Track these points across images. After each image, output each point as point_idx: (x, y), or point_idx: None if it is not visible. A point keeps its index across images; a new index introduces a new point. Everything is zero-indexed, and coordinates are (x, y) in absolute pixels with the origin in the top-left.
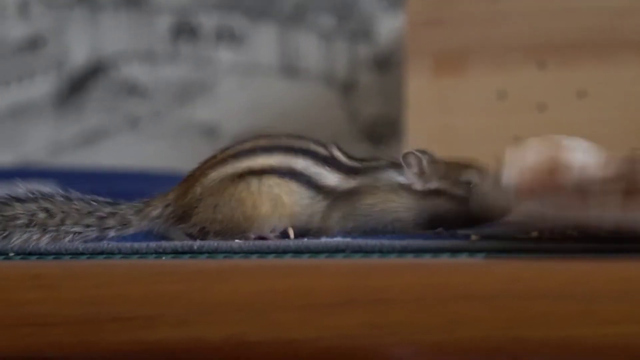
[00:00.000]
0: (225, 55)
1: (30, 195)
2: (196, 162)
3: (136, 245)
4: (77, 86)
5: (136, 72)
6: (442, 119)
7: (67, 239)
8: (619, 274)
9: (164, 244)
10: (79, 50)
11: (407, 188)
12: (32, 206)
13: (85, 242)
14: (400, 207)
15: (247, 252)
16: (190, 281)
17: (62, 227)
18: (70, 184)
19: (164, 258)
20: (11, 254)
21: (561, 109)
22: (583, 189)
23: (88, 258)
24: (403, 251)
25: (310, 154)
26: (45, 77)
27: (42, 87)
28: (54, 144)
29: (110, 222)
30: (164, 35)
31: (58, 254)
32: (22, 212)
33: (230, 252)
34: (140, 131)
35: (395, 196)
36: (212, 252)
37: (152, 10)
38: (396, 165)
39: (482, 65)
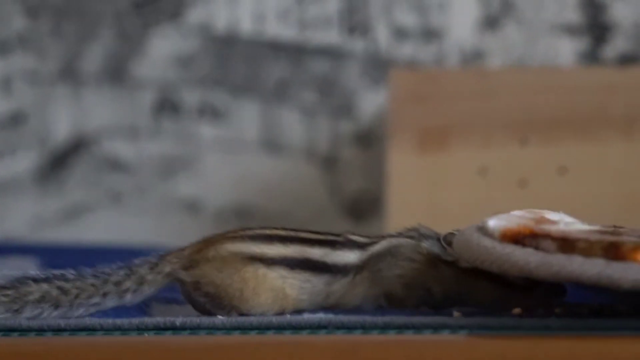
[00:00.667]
0: (207, 130)
1: (43, 276)
2: (179, 237)
3: (118, 321)
4: (59, 162)
5: (118, 147)
6: (425, 194)
7: (81, 310)
8: (601, 351)
9: (146, 320)
10: (61, 125)
11: (442, 261)
12: (45, 285)
13: (99, 311)
14: (433, 279)
15: (229, 329)
16: (173, 358)
17: (77, 301)
18: (52, 260)
19: (146, 334)
20: None
21: (542, 185)
22: (568, 239)
23: (70, 334)
24: (386, 327)
25: (327, 243)
26: (27, 152)
27: (24, 162)
28: (36, 219)
29: (127, 284)
30: (147, 110)
31: (40, 331)
32: (35, 289)
33: (213, 328)
34: (122, 206)
35: (430, 267)
36: (195, 329)
37: (134, 85)
38: (421, 235)
39: (465, 141)
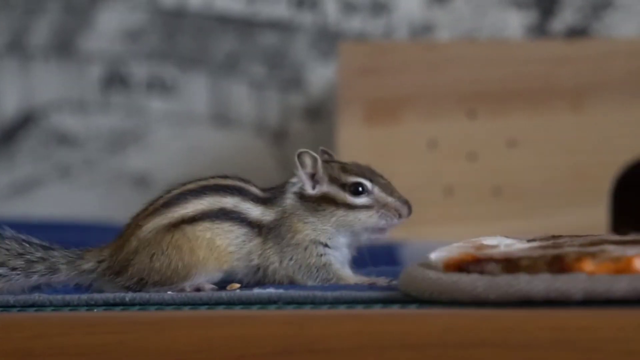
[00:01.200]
0: (156, 104)
1: None
2: (128, 211)
3: (67, 297)
4: (8, 136)
5: (67, 121)
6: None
7: None
8: (551, 323)
9: (96, 296)
10: (9, 99)
11: (302, 197)
12: None
13: (10, 285)
14: (308, 228)
15: (180, 304)
16: (123, 333)
17: None
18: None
19: (95, 310)
20: None
21: (491, 158)
22: (510, 258)
23: (19, 310)
24: (336, 302)
25: (236, 189)
26: None
27: None
28: None
29: (39, 267)
30: (95, 84)
31: None
32: None
33: (163, 304)
34: (72, 180)
35: (300, 222)
36: (144, 304)
37: (82, 59)
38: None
39: (415, 114)
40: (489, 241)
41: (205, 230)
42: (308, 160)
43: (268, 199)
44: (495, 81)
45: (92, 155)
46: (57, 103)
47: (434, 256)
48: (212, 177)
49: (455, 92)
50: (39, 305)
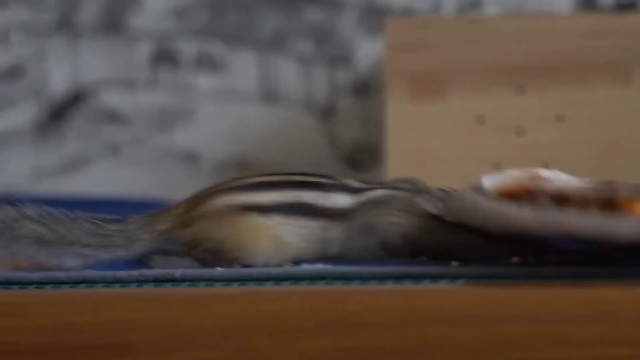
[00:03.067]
0: (204, 81)
1: (38, 215)
2: (177, 188)
3: (118, 273)
4: (58, 114)
5: (116, 99)
6: (422, 143)
7: (74, 260)
8: (591, 297)
9: (146, 272)
10: (58, 78)
11: (433, 216)
12: (39, 228)
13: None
14: (425, 233)
15: (229, 280)
16: (172, 309)
17: (71, 249)
18: None
19: (145, 286)
20: None
21: (540, 133)
22: (563, 195)
23: (70, 287)
24: (384, 277)
25: (318, 185)
26: (25, 105)
27: (22, 115)
28: (34, 171)
29: (117, 240)
30: (143, 62)
31: (40, 284)
32: (31, 228)
33: (212, 280)
34: (120, 158)
35: (422, 222)
36: (194, 280)
37: (131, 37)
38: (416, 190)
39: (461, 89)
40: (545, 173)
41: (276, 226)
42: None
43: (364, 188)
44: (543, 56)
45: (141, 132)
46: (106, 81)
47: (487, 183)
48: (296, 173)
49: (503, 67)
50: (89, 282)
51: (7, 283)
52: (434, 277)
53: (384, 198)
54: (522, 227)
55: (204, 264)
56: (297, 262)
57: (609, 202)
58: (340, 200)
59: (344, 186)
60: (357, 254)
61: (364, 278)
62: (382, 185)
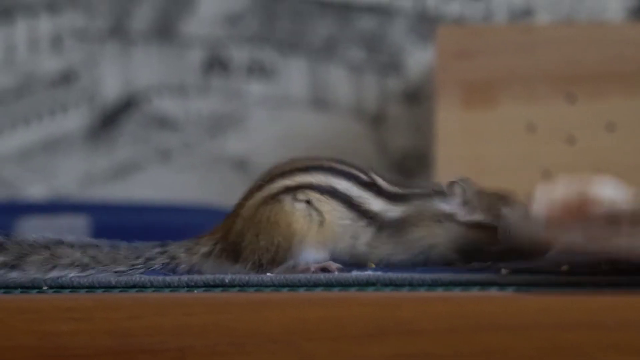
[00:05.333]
0: (255, 88)
1: (78, 244)
2: (227, 194)
3: (168, 278)
4: (109, 119)
5: (167, 105)
6: (472, 150)
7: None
8: None
9: (196, 277)
10: (111, 83)
11: (451, 218)
12: (78, 254)
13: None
14: (444, 238)
15: (278, 286)
16: (222, 313)
17: (104, 268)
18: (102, 218)
19: (195, 291)
20: (45, 288)
21: (590, 142)
22: (613, 220)
23: (120, 291)
24: (433, 284)
25: (352, 176)
26: (77, 110)
27: (74, 120)
28: (86, 176)
29: (159, 260)
30: (196, 68)
31: (91, 288)
32: (69, 254)
33: (261, 285)
34: (171, 164)
35: (440, 228)
36: (243, 285)
37: (183, 43)
38: (439, 194)
39: (512, 97)
40: (597, 179)
41: (310, 201)
42: (458, 189)
43: (399, 195)
44: (594, 64)
45: (192, 138)
46: (158, 87)
47: (537, 208)
48: (325, 159)
49: (553, 75)
50: (139, 287)
51: (60, 287)
52: (484, 285)
53: (411, 213)
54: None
55: (255, 266)
56: (348, 269)
57: None
58: (373, 203)
59: (376, 187)
60: (381, 258)
61: (413, 285)
62: (415, 195)
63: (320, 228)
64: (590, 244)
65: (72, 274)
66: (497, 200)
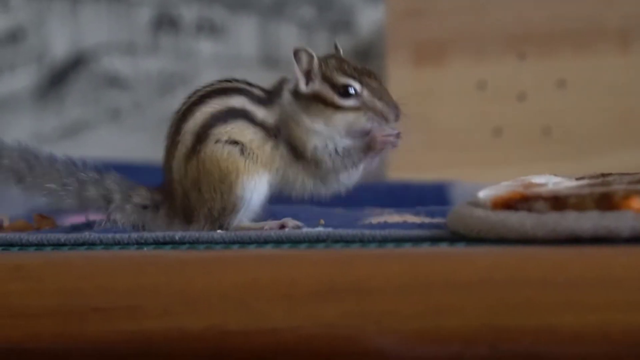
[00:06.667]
0: (205, 46)
1: (18, 147)
2: None
3: (117, 236)
4: (58, 78)
5: (117, 64)
6: (423, 108)
7: (42, 194)
8: (599, 261)
9: (146, 234)
10: (59, 42)
11: (297, 96)
12: (16, 154)
13: (63, 203)
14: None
15: (229, 243)
16: (172, 272)
17: (39, 181)
18: None
19: (145, 249)
20: None
21: (541, 98)
22: (559, 197)
23: (69, 249)
24: (384, 240)
25: (242, 91)
26: (26, 69)
27: (23, 79)
28: (35, 136)
29: (92, 190)
30: (145, 27)
31: (40, 245)
32: (7, 155)
33: (212, 243)
34: (121, 123)
35: (298, 126)
36: (194, 243)
37: (132, 2)
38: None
39: (463, 55)
40: (537, 180)
41: (219, 141)
42: (304, 57)
43: (268, 99)
44: (544, 22)
45: (142, 97)
46: (107, 46)
47: (482, 194)
48: (217, 82)
49: (503, 33)
50: (89, 244)
51: (9, 245)
52: (434, 240)
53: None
54: (522, 232)
55: (210, 221)
56: (297, 228)
57: (605, 199)
58: (260, 112)
59: (257, 97)
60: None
61: (364, 241)
62: (274, 91)
63: (246, 156)
64: (538, 221)
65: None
66: (338, 69)
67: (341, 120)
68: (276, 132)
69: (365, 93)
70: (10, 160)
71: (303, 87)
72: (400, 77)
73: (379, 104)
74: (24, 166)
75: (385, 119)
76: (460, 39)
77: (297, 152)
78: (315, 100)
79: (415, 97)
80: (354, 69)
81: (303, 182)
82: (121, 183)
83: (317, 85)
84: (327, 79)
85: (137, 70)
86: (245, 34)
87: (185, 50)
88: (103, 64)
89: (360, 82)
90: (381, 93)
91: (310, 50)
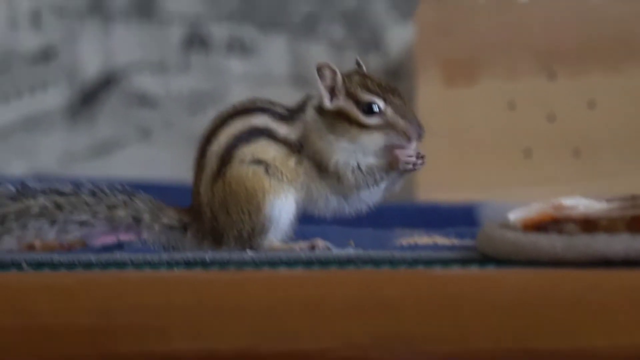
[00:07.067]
0: (236, 65)
1: (40, 189)
2: None
3: (148, 256)
4: (89, 97)
5: (148, 82)
6: (453, 127)
7: (75, 231)
8: (629, 284)
9: (176, 255)
10: (90, 61)
11: (321, 112)
12: (42, 199)
13: (93, 234)
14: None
15: (259, 264)
16: (202, 292)
17: (70, 217)
18: None
19: (175, 269)
20: (24, 265)
21: (571, 119)
22: (590, 219)
23: (100, 269)
24: (413, 262)
25: (263, 109)
26: (57, 88)
27: (54, 98)
28: (66, 154)
29: (121, 212)
30: (176, 45)
31: (70, 265)
32: (34, 204)
33: (242, 264)
34: (152, 141)
35: (323, 142)
36: (224, 264)
37: (163, 21)
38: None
39: (493, 75)
40: (567, 202)
41: (243, 162)
42: (328, 73)
43: (291, 116)
44: (575, 41)
45: (172, 116)
46: (138, 64)
47: (512, 216)
48: (239, 103)
49: (534, 52)
50: (119, 264)
51: (40, 265)
52: (465, 262)
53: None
54: (552, 255)
55: (240, 242)
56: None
57: (636, 222)
58: (282, 129)
59: (280, 114)
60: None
61: (394, 263)
62: (297, 110)
63: (271, 174)
64: (569, 244)
65: (44, 228)
66: (361, 86)
67: (364, 137)
68: (299, 148)
69: (389, 111)
70: (38, 207)
71: (327, 103)
72: (430, 96)
73: (402, 123)
74: (53, 207)
75: (408, 138)
76: (491, 58)
77: (320, 167)
78: (339, 117)
79: (445, 115)
80: (378, 86)
81: (326, 199)
82: (150, 203)
83: (341, 102)
84: (351, 96)
85: (167, 89)
86: (275, 52)
87: (216, 68)
88: (134, 82)
89: (384, 100)
90: (405, 111)
91: (334, 66)
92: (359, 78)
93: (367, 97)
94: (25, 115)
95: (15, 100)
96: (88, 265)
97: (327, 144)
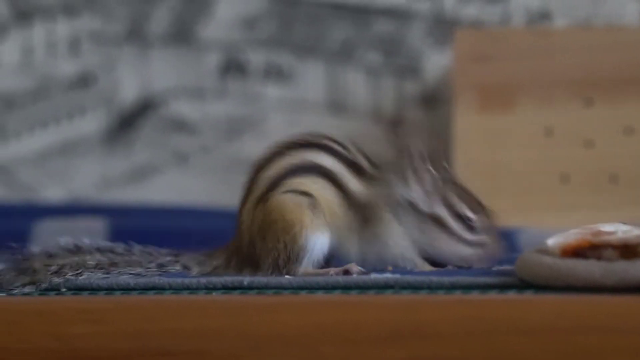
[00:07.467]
0: (272, 91)
1: (95, 247)
2: None
3: (186, 280)
4: (127, 122)
5: (185, 108)
6: (489, 154)
7: (130, 278)
8: None
9: (214, 279)
10: (128, 86)
11: (412, 206)
12: (98, 255)
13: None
14: (401, 235)
15: (296, 288)
16: (238, 316)
17: (124, 270)
18: (119, 221)
19: (214, 294)
20: (63, 289)
21: (608, 146)
22: (628, 244)
23: (139, 294)
24: (452, 287)
25: (335, 153)
26: (95, 113)
27: (92, 123)
28: (103, 180)
29: (172, 269)
30: (213, 72)
31: (109, 290)
32: (90, 258)
33: (280, 288)
34: (188, 167)
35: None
36: (262, 288)
37: (200, 47)
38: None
39: (529, 101)
40: (606, 227)
41: (289, 193)
42: (427, 178)
43: (374, 176)
44: (612, 68)
45: (209, 142)
46: (175, 90)
47: (550, 242)
48: (303, 136)
49: (571, 79)
50: (158, 289)
51: (78, 289)
52: (503, 288)
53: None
54: (590, 281)
55: (275, 269)
56: (365, 273)
57: None
58: (352, 182)
59: (360, 166)
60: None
61: (432, 288)
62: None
63: (314, 209)
64: (607, 270)
65: (98, 276)
66: (458, 197)
67: (454, 249)
68: (363, 210)
69: (483, 229)
70: (94, 260)
71: (425, 207)
72: (466, 123)
73: (492, 244)
74: (106, 261)
75: (493, 257)
76: (527, 84)
77: (368, 223)
78: (431, 220)
79: (482, 142)
80: (471, 199)
81: (361, 252)
82: (197, 257)
83: (437, 209)
84: (448, 205)
85: (204, 115)
86: (312, 79)
87: (253, 95)
88: (171, 108)
89: (479, 216)
90: (492, 230)
91: (434, 172)
92: (454, 187)
93: (469, 213)
94: (62, 141)
95: (53, 126)
96: (127, 290)
97: (396, 232)
